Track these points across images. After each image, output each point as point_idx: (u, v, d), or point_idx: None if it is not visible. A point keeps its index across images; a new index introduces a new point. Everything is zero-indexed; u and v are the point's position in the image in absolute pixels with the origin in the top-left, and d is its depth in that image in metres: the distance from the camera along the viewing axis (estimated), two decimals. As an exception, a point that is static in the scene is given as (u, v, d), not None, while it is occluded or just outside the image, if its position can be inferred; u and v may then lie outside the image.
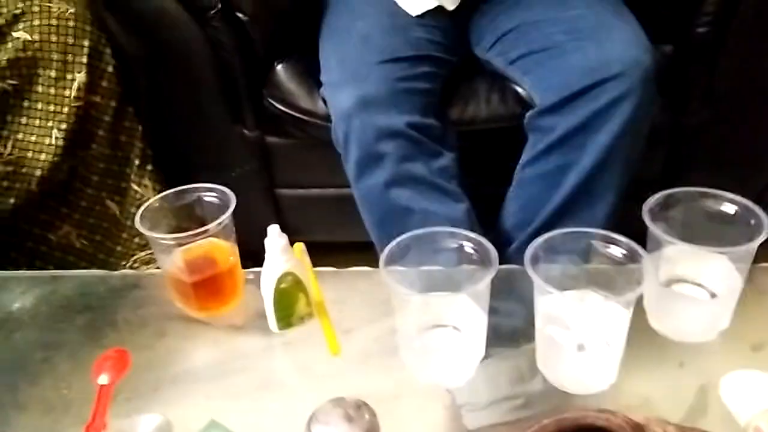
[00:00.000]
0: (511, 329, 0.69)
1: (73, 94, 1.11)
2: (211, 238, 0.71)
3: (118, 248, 1.21)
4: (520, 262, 0.60)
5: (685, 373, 0.64)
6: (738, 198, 0.65)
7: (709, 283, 0.65)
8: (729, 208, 0.65)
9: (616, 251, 0.61)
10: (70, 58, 1.10)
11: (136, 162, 1.18)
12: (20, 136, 1.11)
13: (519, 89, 1.08)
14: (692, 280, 0.66)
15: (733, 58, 1.07)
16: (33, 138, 1.12)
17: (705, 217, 0.65)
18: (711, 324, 0.66)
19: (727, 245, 0.61)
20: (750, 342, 0.66)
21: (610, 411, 0.46)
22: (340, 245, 1.09)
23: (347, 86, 1.01)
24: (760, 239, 0.60)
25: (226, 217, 0.69)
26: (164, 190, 0.75)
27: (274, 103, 1.18)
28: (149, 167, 1.19)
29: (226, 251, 0.72)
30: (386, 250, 0.62)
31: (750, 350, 0.65)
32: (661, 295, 0.65)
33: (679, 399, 0.61)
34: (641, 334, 0.63)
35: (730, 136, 1.14)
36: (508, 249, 1.02)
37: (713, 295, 0.65)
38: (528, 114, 1.02)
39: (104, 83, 1.13)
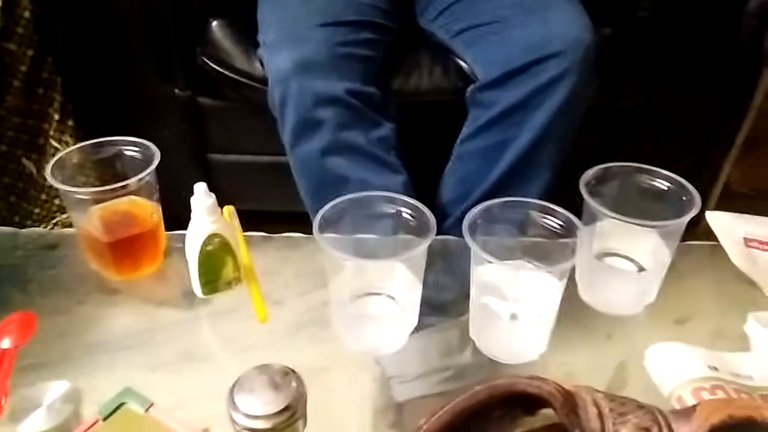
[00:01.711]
0: (443, 301, 0.68)
1: None
2: (132, 196, 0.66)
3: (36, 210, 1.14)
4: (456, 236, 0.59)
5: (612, 344, 0.65)
6: (671, 175, 0.66)
7: (639, 258, 0.67)
8: (662, 184, 0.66)
9: (554, 222, 0.61)
10: None
11: (55, 116, 1.11)
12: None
13: (462, 63, 1.07)
14: (623, 253, 0.67)
15: (671, 42, 1.10)
16: (-63, 85, 1.02)
17: (639, 192, 0.66)
18: (638, 297, 0.67)
19: (659, 220, 0.62)
20: (675, 316, 0.67)
21: (541, 378, 0.46)
22: (273, 214, 1.05)
23: (285, 48, 0.97)
24: (689, 215, 0.61)
25: (148, 172, 0.64)
26: (86, 148, 0.70)
27: (208, 61, 1.12)
28: (70, 122, 1.12)
29: (148, 210, 0.68)
30: (320, 213, 0.60)
31: (674, 323, 0.67)
32: (591, 267, 0.66)
33: (605, 369, 0.62)
34: (571, 305, 0.63)
35: (664, 117, 1.17)
36: (444, 223, 1.02)
37: (642, 269, 0.67)
38: (470, 88, 1.01)
39: (20, 30, 1.05)
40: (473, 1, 1.06)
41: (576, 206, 0.64)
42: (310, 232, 0.59)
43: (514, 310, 0.61)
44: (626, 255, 0.67)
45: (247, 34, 1.10)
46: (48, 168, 0.63)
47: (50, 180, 0.62)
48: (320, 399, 0.54)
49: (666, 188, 0.66)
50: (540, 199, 0.64)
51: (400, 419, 0.59)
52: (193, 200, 0.63)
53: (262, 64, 1.04)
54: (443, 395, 0.60)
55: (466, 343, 0.65)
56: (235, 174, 1.25)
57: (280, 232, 0.78)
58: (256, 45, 1.05)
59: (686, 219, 0.61)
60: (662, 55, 1.11)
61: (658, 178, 0.66)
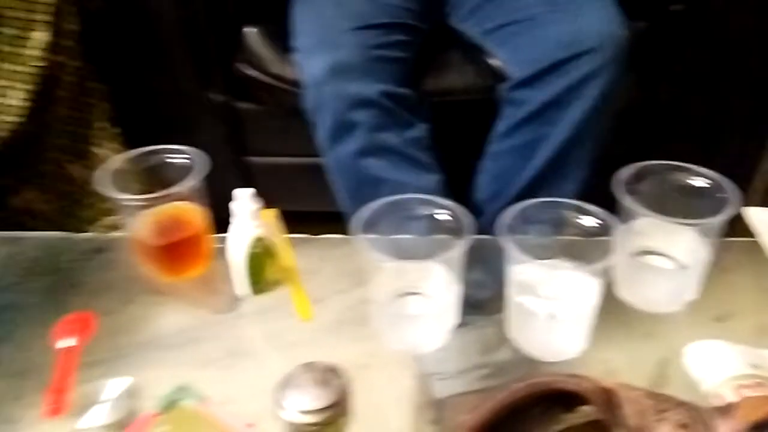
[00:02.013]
0: (480, 299, 0.69)
1: (35, 53, 1.06)
2: (179, 201, 0.68)
3: (85, 213, 1.18)
4: (491, 234, 0.60)
5: (651, 342, 0.65)
6: (709, 172, 0.65)
7: (678, 255, 0.67)
8: (700, 182, 0.66)
9: (590, 221, 0.62)
10: (32, 16, 1.05)
11: (101, 124, 1.14)
12: (-20, 96, 1.07)
13: (493, 61, 1.08)
14: (661, 251, 0.67)
15: (706, 37, 1.08)
16: (-7, 98, 1.07)
17: (676, 190, 0.66)
18: (677, 295, 0.67)
19: (697, 218, 0.62)
20: (714, 313, 0.67)
21: (581, 375, 0.47)
22: (311, 215, 1.07)
23: (320, 52, 0.99)
24: (728, 212, 0.61)
25: (198, 179, 0.67)
26: (130, 153, 0.72)
27: (244, 67, 1.15)
28: (114, 129, 1.16)
29: (196, 215, 0.70)
30: (359, 215, 0.62)
31: (714, 321, 0.66)
32: (629, 265, 0.66)
33: (644, 367, 0.62)
34: (610, 304, 0.64)
35: (699, 113, 1.16)
36: (478, 221, 1.02)
37: (681, 267, 0.66)
38: (502, 86, 1.02)
39: (67, 42, 1.09)
40: (504, 0, 1.07)
41: (611, 202, 0.64)
42: (346, 232, 0.61)
43: (552, 309, 0.61)
44: (665, 253, 0.67)
45: (281, 40, 1.12)
46: (100, 175, 0.67)
47: (99, 188, 0.65)
48: (361, 396, 0.55)
49: (704, 185, 0.65)
50: (575, 196, 0.64)
51: (440, 415, 0.60)
52: (236, 205, 0.66)
53: (296, 68, 1.06)
54: (482, 392, 0.61)
55: (504, 341, 0.65)
56: (273, 176, 1.28)
57: (317, 233, 0.80)
58: (291, 50, 1.07)
59: (725, 216, 0.61)
60: (698, 49, 1.09)
61: (696, 175, 0.66)
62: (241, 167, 1.26)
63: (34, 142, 1.12)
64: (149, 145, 0.73)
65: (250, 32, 1.15)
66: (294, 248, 0.76)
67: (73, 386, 0.59)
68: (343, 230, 0.81)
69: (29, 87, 1.06)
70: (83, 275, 0.75)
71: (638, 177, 0.66)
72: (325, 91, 0.97)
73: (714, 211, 0.62)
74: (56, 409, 0.57)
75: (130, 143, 1.18)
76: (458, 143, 1.08)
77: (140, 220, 0.69)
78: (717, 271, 0.67)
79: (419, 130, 1.02)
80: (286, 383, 0.53)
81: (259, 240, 0.66)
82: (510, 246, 0.57)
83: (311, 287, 0.72)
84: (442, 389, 0.62)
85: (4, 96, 1.07)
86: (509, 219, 0.60)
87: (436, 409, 0.60)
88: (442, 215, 0.64)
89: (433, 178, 1.01)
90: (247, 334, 0.71)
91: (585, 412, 0.48)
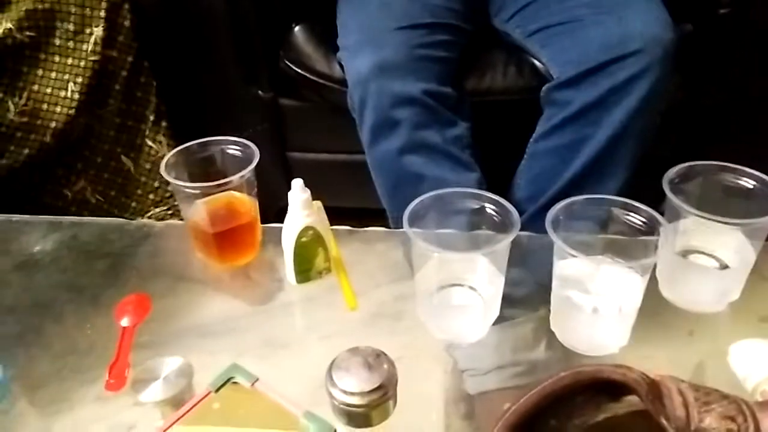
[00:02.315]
0: (519, 296, 0.69)
1: (90, 48, 1.11)
2: (233, 191, 0.71)
3: (133, 204, 1.22)
4: (530, 232, 0.60)
5: (694, 341, 0.66)
6: (756, 173, 0.66)
7: (723, 255, 0.67)
8: (747, 183, 0.66)
9: (636, 219, 0.62)
10: (88, 12, 1.10)
11: (151, 118, 1.18)
12: (36, 87, 1.11)
13: (536, 62, 1.09)
14: (706, 251, 0.67)
15: (753, 40, 1.07)
16: (49, 90, 1.12)
17: (723, 191, 0.66)
18: (721, 295, 0.67)
19: (743, 219, 0.62)
20: (758, 313, 0.67)
21: (626, 366, 0.48)
22: (351, 210, 1.10)
23: (365, 51, 1.01)
24: (775, 214, 0.61)
25: (249, 169, 0.70)
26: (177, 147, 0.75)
27: (290, 65, 1.18)
28: (164, 123, 1.20)
29: (248, 204, 0.73)
30: (409, 208, 0.63)
31: (758, 321, 0.66)
32: (674, 264, 0.67)
33: (687, 365, 0.63)
34: (653, 302, 0.64)
35: (745, 115, 1.15)
36: (518, 219, 1.03)
37: (725, 267, 0.67)
38: (545, 87, 1.02)
39: (121, 38, 1.13)
40: (548, 1, 1.07)
41: (654, 204, 0.64)
42: (385, 227, 0.62)
43: (596, 304, 0.62)
44: (710, 253, 0.67)
45: (327, 39, 1.14)
46: (162, 164, 0.70)
47: (164, 174, 0.68)
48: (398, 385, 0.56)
49: (751, 186, 0.65)
50: (617, 196, 0.65)
51: (472, 411, 0.61)
52: (290, 195, 0.68)
53: (341, 66, 1.07)
54: (515, 389, 0.62)
55: (540, 338, 0.66)
56: (314, 171, 1.30)
57: (356, 228, 0.82)
58: (336, 49, 1.09)
59: (772, 218, 0.61)
60: (744, 52, 1.08)
61: (743, 176, 0.66)
62: (283, 162, 1.29)
63: (89, 135, 1.16)
64: (195, 139, 0.75)
65: (297, 30, 1.18)
66: (338, 240, 0.78)
67: (130, 364, 0.63)
68: (381, 226, 0.83)
69: (83, 80, 1.11)
70: (140, 260, 0.78)
71: (685, 177, 0.66)
72: (370, 89, 0.98)
73: (760, 212, 0.62)
74: (118, 384, 0.60)
75: (177, 137, 1.22)
76: (499, 143, 1.09)
77: (196, 208, 0.72)
78: (762, 272, 0.67)
79: (460, 129, 1.03)
80: (336, 366, 0.55)
81: (308, 229, 0.69)
82: (558, 241, 0.58)
83: (352, 278, 0.73)
84: (474, 386, 0.63)
85: (61, 89, 1.12)
86: (556, 214, 0.61)
87: (467, 404, 0.61)
88: (489, 210, 0.65)
89: (472, 177, 1.02)
90: (290, 321, 0.73)
91: (630, 402, 0.48)
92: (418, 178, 1.01)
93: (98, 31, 1.10)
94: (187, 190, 0.70)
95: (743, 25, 1.07)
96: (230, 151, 0.74)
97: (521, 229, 0.65)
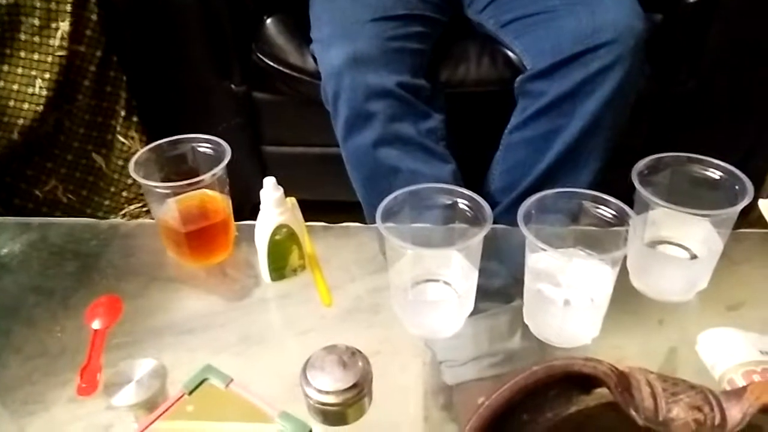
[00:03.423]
0: (494, 288, 0.70)
1: (57, 43, 1.08)
2: (205, 189, 0.71)
3: (106, 202, 1.20)
4: (504, 224, 0.61)
5: (664, 330, 0.67)
6: (723, 164, 0.67)
7: (691, 245, 0.68)
8: (714, 174, 0.67)
9: (606, 212, 0.63)
10: (53, 5, 1.07)
11: (122, 113, 1.17)
12: (1, 84, 1.09)
13: (510, 53, 1.09)
14: (675, 241, 0.68)
15: (722, 29, 1.09)
16: (15, 87, 1.09)
17: (691, 182, 0.67)
18: (690, 284, 0.68)
19: (711, 209, 0.63)
20: (726, 302, 0.68)
21: (596, 359, 0.48)
22: (326, 204, 1.09)
23: (338, 43, 1.00)
24: (742, 204, 0.62)
25: (221, 167, 0.69)
26: (150, 143, 0.74)
27: (263, 57, 1.16)
28: (135, 118, 1.18)
29: (220, 202, 0.73)
30: (382, 204, 0.63)
31: (726, 310, 0.68)
32: (643, 255, 0.68)
33: (657, 354, 0.64)
34: (623, 292, 0.65)
35: (715, 104, 1.16)
36: (492, 212, 1.04)
37: (694, 257, 0.68)
38: (518, 78, 1.03)
39: (89, 32, 1.11)
40: (521, -8, 1.07)
41: (626, 193, 0.65)
42: (360, 221, 0.62)
43: (568, 296, 0.63)
44: (678, 243, 0.68)
45: (300, 31, 1.13)
46: (131, 164, 0.69)
47: (133, 175, 0.67)
48: (374, 381, 0.56)
49: (718, 177, 0.67)
50: (590, 187, 0.65)
51: (451, 402, 0.61)
52: (262, 193, 0.67)
53: (315, 59, 1.07)
54: (492, 379, 0.62)
55: (516, 329, 0.67)
56: (289, 165, 1.29)
57: (331, 221, 0.81)
58: (309, 41, 1.08)
59: (739, 208, 0.62)
60: (713, 41, 1.10)
61: (711, 167, 0.67)
62: (257, 156, 1.28)
63: (58, 132, 1.14)
64: (168, 134, 0.74)
65: (270, 23, 1.16)
66: (312, 236, 0.78)
67: (101, 366, 0.62)
68: (356, 219, 0.83)
69: (50, 76, 1.09)
70: (111, 260, 0.77)
71: (654, 168, 0.67)
72: (343, 82, 0.98)
73: (727, 203, 0.63)
74: (90, 388, 0.59)
75: (149, 133, 1.20)
76: (473, 134, 1.10)
77: (168, 207, 0.71)
78: (729, 261, 0.68)
79: (435, 121, 1.03)
80: (311, 365, 0.55)
81: (281, 227, 0.68)
82: (529, 235, 0.59)
83: (326, 274, 0.73)
84: (452, 377, 0.64)
85: (28, 85, 1.09)
86: (528, 208, 0.62)
87: (446, 395, 0.62)
88: (462, 205, 0.65)
89: (447, 168, 1.02)
90: (269, 318, 0.73)
91: (600, 394, 0.49)
92: (393, 171, 1.00)
93: (64, 26, 1.08)
94: (158, 190, 0.69)
95: (712, 14, 1.08)
96: (201, 149, 0.73)
97: (497, 221, 0.65)
